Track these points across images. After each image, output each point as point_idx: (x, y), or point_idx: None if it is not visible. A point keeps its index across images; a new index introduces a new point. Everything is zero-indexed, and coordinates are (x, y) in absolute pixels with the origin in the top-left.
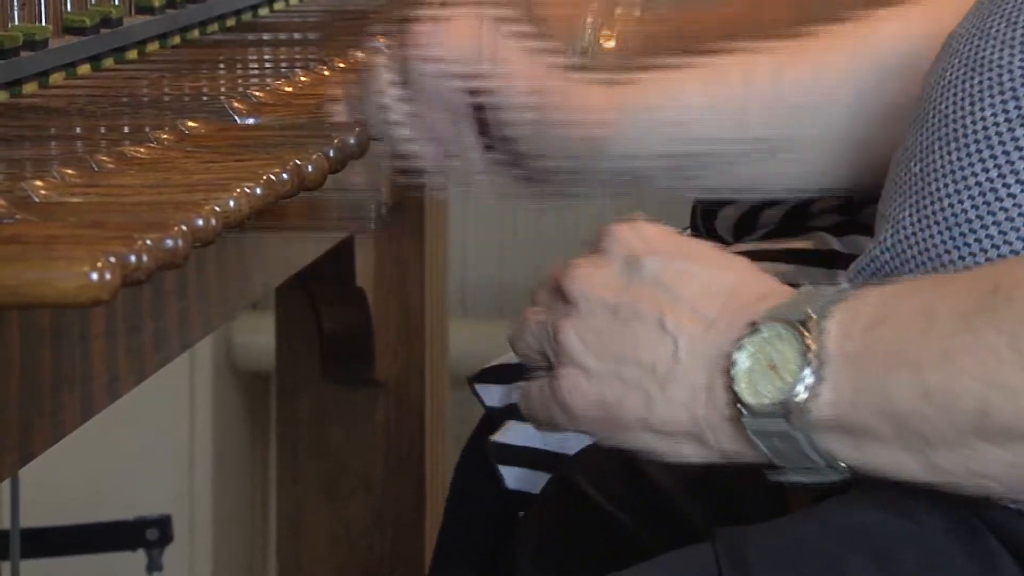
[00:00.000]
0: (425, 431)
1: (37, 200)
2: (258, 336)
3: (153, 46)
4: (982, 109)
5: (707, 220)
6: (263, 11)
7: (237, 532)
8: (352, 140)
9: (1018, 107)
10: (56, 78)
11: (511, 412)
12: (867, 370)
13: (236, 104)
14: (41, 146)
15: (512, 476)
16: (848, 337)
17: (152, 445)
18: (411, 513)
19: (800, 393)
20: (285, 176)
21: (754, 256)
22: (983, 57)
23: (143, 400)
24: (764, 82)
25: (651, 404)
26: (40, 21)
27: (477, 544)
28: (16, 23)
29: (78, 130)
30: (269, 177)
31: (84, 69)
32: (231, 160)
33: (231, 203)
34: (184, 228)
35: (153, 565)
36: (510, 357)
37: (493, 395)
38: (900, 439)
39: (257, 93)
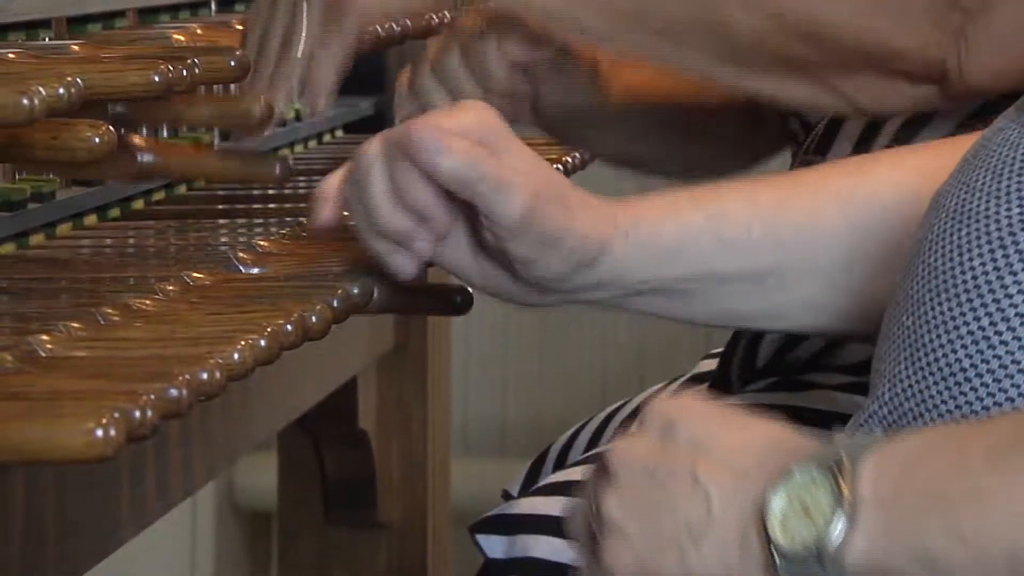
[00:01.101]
0: (428, 573)
1: (43, 354)
2: (261, 476)
3: (159, 195)
4: (971, 259)
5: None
6: (285, 152)
7: None
8: (355, 290)
9: (1006, 256)
10: (63, 229)
11: (513, 566)
12: (901, 514)
13: (241, 255)
14: (47, 299)
15: None
16: (882, 481)
17: None
18: None
19: (834, 538)
20: (289, 328)
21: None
22: (970, 209)
23: (145, 537)
24: (767, 212)
25: (686, 560)
26: (47, 173)
27: None
28: (24, 175)
29: (84, 282)
30: (273, 329)
31: (91, 220)
32: (235, 312)
33: (235, 356)
34: (188, 381)
35: None
36: (511, 507)
37: (495, 546)
38: None
39: (262, 243)
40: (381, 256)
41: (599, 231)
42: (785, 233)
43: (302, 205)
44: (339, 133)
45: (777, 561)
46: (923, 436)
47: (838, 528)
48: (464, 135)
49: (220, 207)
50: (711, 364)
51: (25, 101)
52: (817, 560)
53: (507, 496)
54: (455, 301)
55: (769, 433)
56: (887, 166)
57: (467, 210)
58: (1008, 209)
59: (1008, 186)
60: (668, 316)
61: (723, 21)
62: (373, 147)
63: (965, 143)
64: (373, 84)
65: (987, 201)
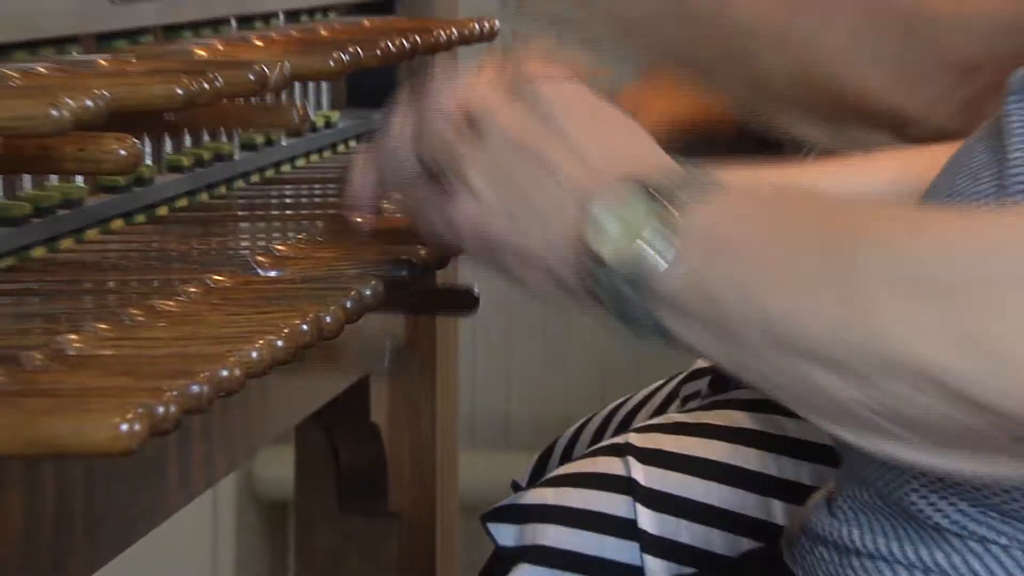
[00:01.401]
0: (436, 560)
1: (71, 353)
2: (278, 468)
3: (182, 202)
4: None
5: None
6: (285, 168)
7: None
8: (368, 292)
9: None
10: (91, 234)
11: (523, 554)
12: (714, 263)
13: (260, 258)
14: (76, 300)
15: None
16: (713, 228)
17: (176, 572)
18: None
19: (650, 260)
20: (305, 328)
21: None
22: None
23: (168, 527)
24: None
25: (517, 231)
26: (74, 179)
27: None
28: (54, 183)
29: (111, 284)
30: (290, 329)
31: (118, 224)
32: (254, 313)
33: (254, 354)
34: (209, 378)
35: None
36: (521, 497)
37: (506, 535)
38: (720, 333)
39: (279, 247)
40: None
41: None
42: None
43: (317, 212)
44: (352, 143)
45: (590, 266)
46: (770, 197)
47: (655, 252)
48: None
49: (240, 213)
50: (707, 361)
51: (55, 112)
52: (626, 279)
53: (516, 487)
54: (462, 302)
55: (631, 139)
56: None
57: None
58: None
59: (984, 189)
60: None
61: (753, 62)
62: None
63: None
64: (383, 97)
65: (967, 205)
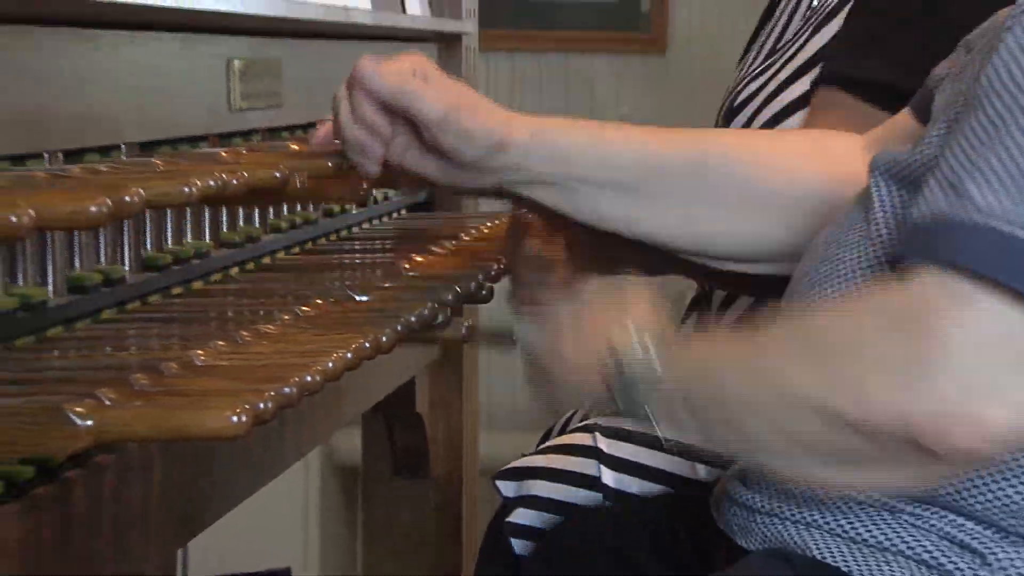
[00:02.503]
0: (463, 512)
1: (198, 364)
2: (350, 444)
3: (280, 254)
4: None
5: None
6: (364, 225)
7: None
8: (413, 319)
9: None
10: (215, 277)
11: (520, 501)
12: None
13: (352, 287)
14: (203, 325)
15: (520, 546)
16: (675, 359)
17: (278, 521)
18: (452, 564)
19: (645, 371)
20: (367, 345)
21: None
22: (832, 254)
23: (272, 488)
24: (639, 145)
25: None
26: (204, 237)
27: None
28: (189, 238)
29: (229, 314)
30: (355, 346)
31: (234, 271)
32: (331, 334)
33: (330, 364)
34: (298, 382)
35: None
36: (520, 461)
37: (508, 489)
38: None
39: (360, 282)
40: (354, 162)
41: (504, 126)
42: (650, 162)
43: (379, 259)
44: (403, 212)
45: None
46: (704, 337)
47: (650, 365)
48: (399, 69)
49: (330, 261)
50: None
51: (186, 189)
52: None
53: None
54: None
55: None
56: (765, 141)
57: (411, 126)
58: (856, 257)
59: (857, 237)
60: (559, 209)
61: None
62: (340, 86)
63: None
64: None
65: (845, 249)
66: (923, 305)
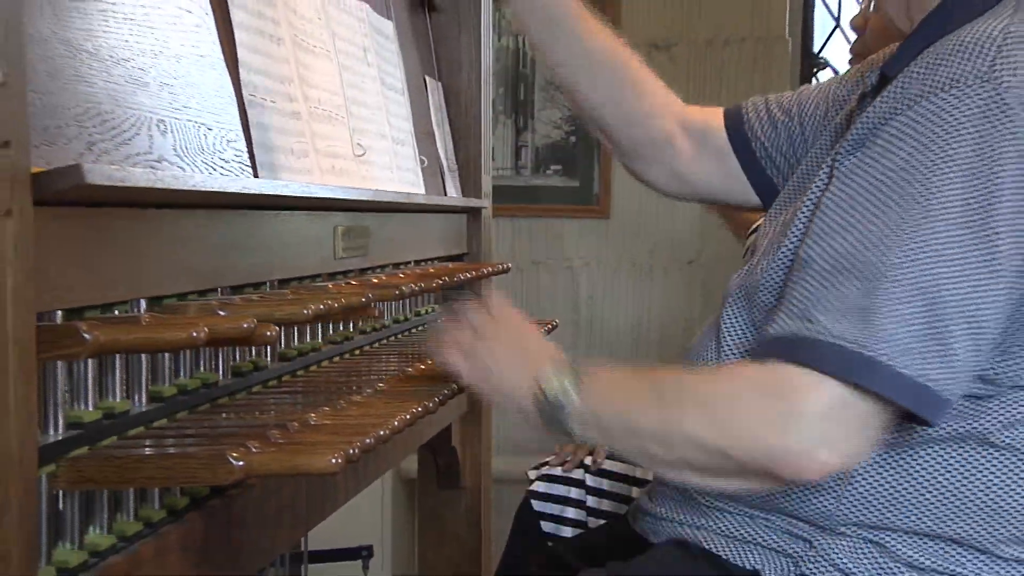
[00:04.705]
0: (481, 511)
1: (312, 423)
2: (410, 466)
3: (368, 347)
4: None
5: None
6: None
7: (403, 554)
8: (447, 391)
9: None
10: (324, 364)
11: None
12: (600, 402)
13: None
14: (315, 395)
15: (539, 505)
16: (591, 386)
17: (364, 513)
18: (477, 546)
19: (568, 396)
20: (419, 409)
21: None
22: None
23: (359, 497)
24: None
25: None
26: (317, 339)
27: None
28: (308, 339)
29: (332, 389)
30: (411, 411)
31: (337, 360)
32: (397, 403)
33: (395, 423)
34: (375, 435)
35: (365, 567)
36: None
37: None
38: (602, 432)
39: (408, 370)
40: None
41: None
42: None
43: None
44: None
45: (540, 401)
46: (616, 370)
47: (572, 396)
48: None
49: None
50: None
51: (305, 311)
52: (557, 407)
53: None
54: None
55: (542, 342)
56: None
57: None
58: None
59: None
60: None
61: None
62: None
63: None
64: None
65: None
66: (786, 383)
